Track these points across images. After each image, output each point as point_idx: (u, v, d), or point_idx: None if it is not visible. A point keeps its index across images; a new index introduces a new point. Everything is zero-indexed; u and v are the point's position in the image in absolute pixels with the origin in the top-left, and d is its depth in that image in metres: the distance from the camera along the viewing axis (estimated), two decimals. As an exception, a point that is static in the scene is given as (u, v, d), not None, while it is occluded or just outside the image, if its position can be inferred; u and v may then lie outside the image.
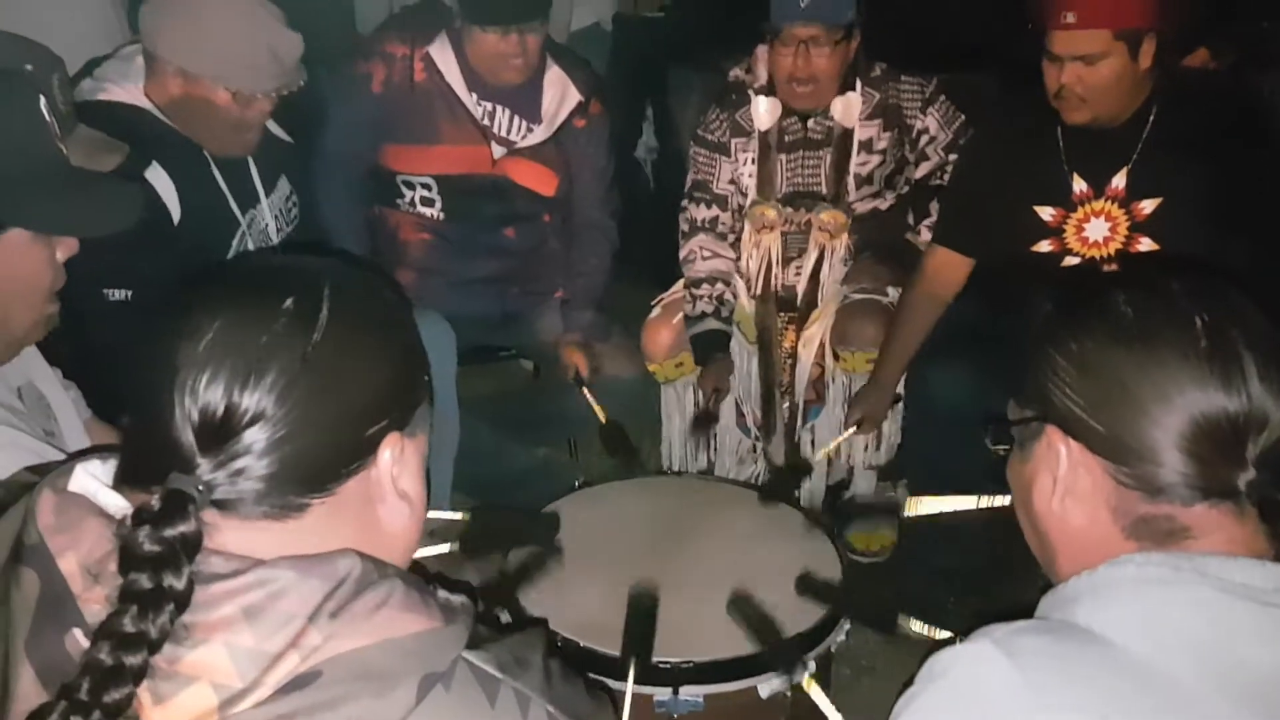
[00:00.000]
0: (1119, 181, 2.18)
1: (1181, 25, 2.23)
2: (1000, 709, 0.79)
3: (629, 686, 1.34)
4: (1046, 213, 2.24)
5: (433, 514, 0.94)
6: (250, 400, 0.74)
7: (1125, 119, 2.15)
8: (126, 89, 2.01)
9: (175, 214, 1.99)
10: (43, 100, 1.25)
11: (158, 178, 1.96)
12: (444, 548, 1.33)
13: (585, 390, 2.49)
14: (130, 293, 1.91)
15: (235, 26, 1.98)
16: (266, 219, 2.20)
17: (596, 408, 2.42)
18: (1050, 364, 0.90)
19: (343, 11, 3.37)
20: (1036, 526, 0.94)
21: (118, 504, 0.76)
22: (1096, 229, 2.22)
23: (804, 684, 1.37)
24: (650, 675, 1.49)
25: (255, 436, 0.74)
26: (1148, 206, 2.17)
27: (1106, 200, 2.20)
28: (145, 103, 2.01)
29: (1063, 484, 0.90)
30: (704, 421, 2.64)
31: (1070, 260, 2.25)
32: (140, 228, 1.35)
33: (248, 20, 1.99)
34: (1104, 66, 2.05)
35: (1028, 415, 0.93)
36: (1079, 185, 2.21)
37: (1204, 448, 0.83)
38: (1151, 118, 2.14)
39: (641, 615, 1.47)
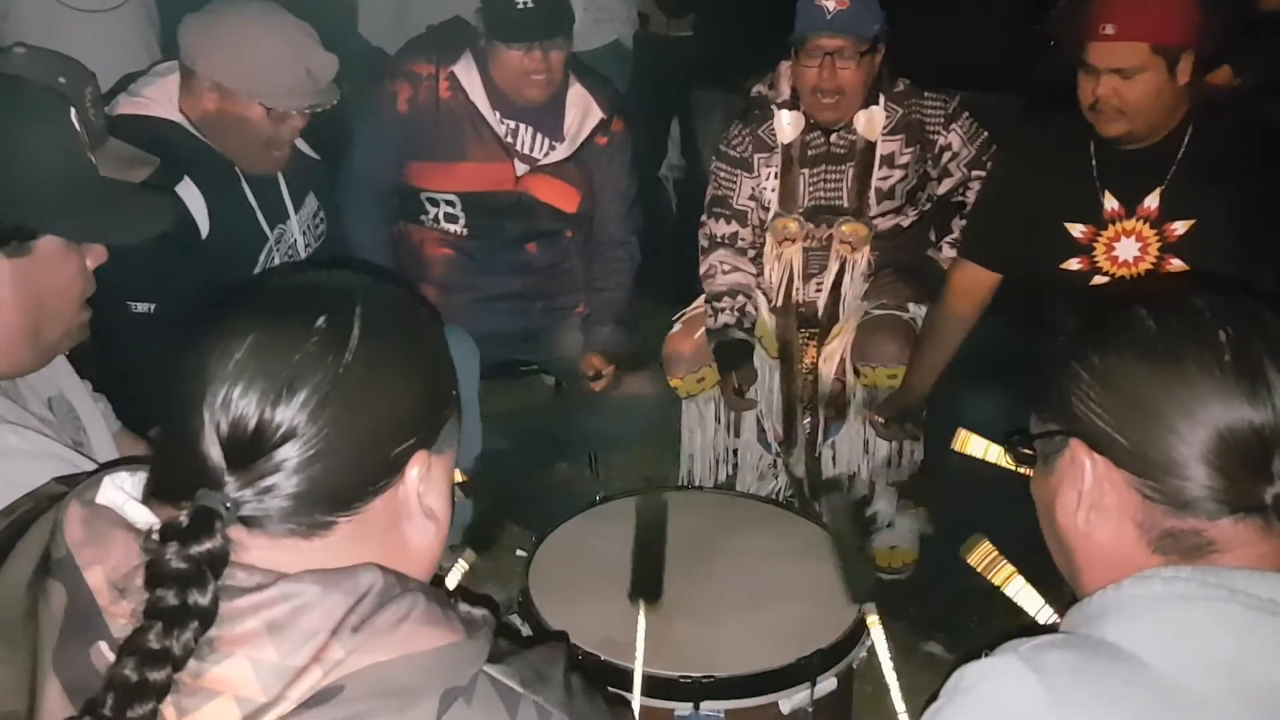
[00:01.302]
0: (1151, 202, 2.15)
1: (1212, 44, 2.21)
2: (1025, 724, 0.78)
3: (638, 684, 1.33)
4: (1077, 229, 2.21)
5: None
6: (283, 417, 0.74)
7: (1160, 139, 2.11)
8: (161, 103, 2.04)
9: (204, 229, 2.01)
10: (73, 112, 1.27)
11: (188, 192, 1.98)
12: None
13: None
14: (154, 306, 1.93)
15: (272, 45, 2.01)
16: (295, 235, 2.22)
17: None
18: (1074, 378, 0.89)
19: (344, 12, 3.38)
20: (1061, 541, 0.93)
21: (145, 518, 0.76)
22: (1127, 248, 2.18)
23: (867, 618, 1.37)
24: (672, 690, 1.48)
25: (287, 454, 0.74)
26: (1180, 228, 2.14)
27: (1138, 220, 2.16)
28: (179, 118, 2.04)
29: (1088, 498, 0.89)
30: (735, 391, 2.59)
31: (1099, 279, 2.22)
32: (168, 242, 1.36)
33: (285, 39, 2.02)
34: (1140, 80, 2.02)
35: (1051, 429, 0.92)
36: (1110, 203, 2.18)
37: (1230, 462, 0.82)
38: (1187, 139, 2.11)
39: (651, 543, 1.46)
